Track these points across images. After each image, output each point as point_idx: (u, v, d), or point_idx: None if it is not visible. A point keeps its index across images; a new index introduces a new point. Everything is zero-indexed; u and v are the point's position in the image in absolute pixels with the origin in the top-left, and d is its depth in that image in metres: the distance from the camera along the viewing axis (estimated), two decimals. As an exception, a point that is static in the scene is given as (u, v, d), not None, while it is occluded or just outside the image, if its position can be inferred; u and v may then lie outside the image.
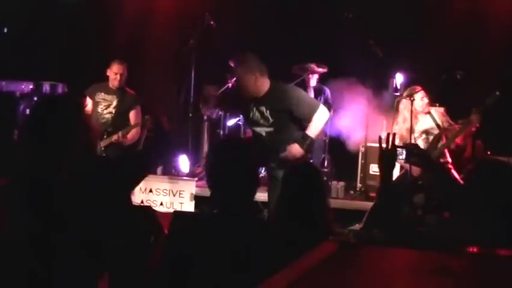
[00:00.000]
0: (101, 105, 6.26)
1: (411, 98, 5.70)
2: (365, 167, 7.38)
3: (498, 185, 2.30)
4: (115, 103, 6.25)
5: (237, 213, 2.29)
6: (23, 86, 7.28)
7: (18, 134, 3.97)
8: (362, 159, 7.49)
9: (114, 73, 6.20)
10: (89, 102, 6.28)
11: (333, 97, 7.66)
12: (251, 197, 2.38)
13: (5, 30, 8.02)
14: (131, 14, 8.33)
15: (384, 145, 2.58)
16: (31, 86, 7.32)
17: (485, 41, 7.40)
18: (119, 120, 6.22)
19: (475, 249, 2.05)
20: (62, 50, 7.99)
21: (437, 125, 5.78)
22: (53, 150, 2.25)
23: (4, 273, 2.13)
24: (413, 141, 5.77)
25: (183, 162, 7.71)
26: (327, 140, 7.58)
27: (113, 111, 6.23)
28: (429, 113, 5.84)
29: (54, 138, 2.26)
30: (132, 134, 6.19)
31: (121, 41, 7.85)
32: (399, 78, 7.23)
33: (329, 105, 7.65)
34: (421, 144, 5.77)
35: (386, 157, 2.57)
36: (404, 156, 2.72)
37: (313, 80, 7.74)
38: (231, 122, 7.93)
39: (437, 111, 5.92)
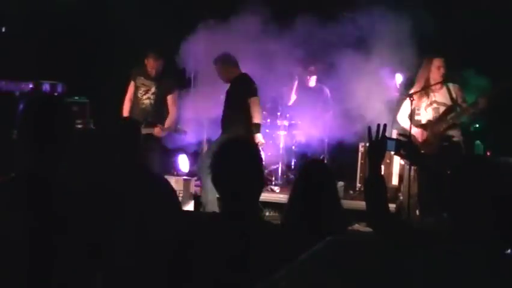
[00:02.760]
0: (141, 90, 6.49)
1: (411, 98, 5.70)
2: (365, 167, 7.38)
3: (485, 182, 2.30)
4: (153, 89, 6.46)
5: (240, 213, 2.29)
6: (22, 86, 7.28)
7: (17, 133, 3.96)
8: (361, 159, 7.50)
9: (150, 66, 6.44)
10: (132, 86, 6.56)
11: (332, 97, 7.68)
12: (256, 198, 2.38)
13: (3, 29, 8.01)
14: (131, 14, 8.32)
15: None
16: (31, 86, 7.33)
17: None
18: (158, 107, 6.45)
19: (474, 249, 2.05)
20: (62, 50, 7.98)
21: (451, 98, 5.71)
22: (52, 149, 2.25)
23: (4, 272, 2.13)
24: (422, 110, 5.76)
25: (183, 162, 7.72)
26: (326, 140, 7.60)
27: (152, 98, 6.45)
28: (445, 85, 5.75)
29: (55, 138, 2.26)
30: (168, 123, 6.44)
31: (120, 41, 7.84)
32: (399, 78, 7.23)
33: (329, 105, 7.69)
34: (430, 114, 5.73)
35: (374, 148, 2.58)
36: (393, 147, 2.70)
37: (312, 81, 7.75)
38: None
39: (454, 86, 5.80)
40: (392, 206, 6.27)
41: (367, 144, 7.38)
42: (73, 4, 8.21)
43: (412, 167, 5.62)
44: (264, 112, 7.87)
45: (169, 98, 6.48)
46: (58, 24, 8.12)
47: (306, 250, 1.48)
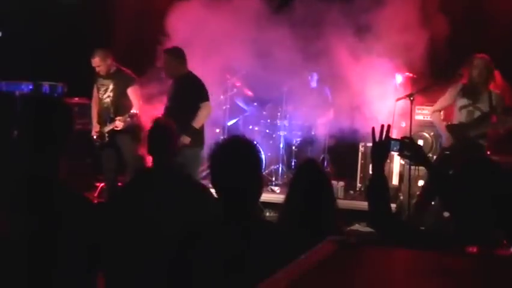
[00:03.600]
0: (101, 90, 6.48)
1: (411, 98, 5.67)
2: (365, 167, 7.38)
3: (486, 182, 2.30)
4: (111, 86, 6.42)
5: (239, 213, 2.29)
6: (22, 86, 7.29)
7: (17, 133, 3.94)
8: (361, 159, 7.50)
9: (95, 66, 6.37)
10: (95, 89, 6.53)
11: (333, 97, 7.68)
12: (256, 198, 2.37)
13: (0, 34, 8.02)
14: (131, 14, 8.33)
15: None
16: (31, 86, 7.33)
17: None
18: (119, 102, 6.38)
19: (475, 249, 2.05)
20: (62, 51, 7.98)
21: (491, 106, 5.44)
22: (52, 150, 2.25)
23: (4, 272, 2.13)
24: (457, 111, 5.57)
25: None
26: (326, 140, 7.60)
27: (111, 95, 6.40)
28: (488, 91, 5.49)
29: (54, 138, 2.26)
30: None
31: (121, 41, 7.84)
32: (398, 79, 7.23)
33: (329, 106, 7.68)
34: (464, 116, 5.52)
35: (378, 149, 2.58)
36: (397, 148, 2.70)
37: (313, 81, 7.74)
38: (230, 122, 7.94)
39: (497, 94, 5.52)
40: (392, 206, 6.26)
41: (367, 145, 7.41)
42: (73, 4, 8.21)
43: (413, 167, 5.62)
44: (264, 112, 7.88)
45: (129, 91, 6.36)
46: (58, 25, 8.12)
47: (306, 250, 1.48)
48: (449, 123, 5.76)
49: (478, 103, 5.51)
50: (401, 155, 2.83)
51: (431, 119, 6.16)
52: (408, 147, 2.73)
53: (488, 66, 5.47)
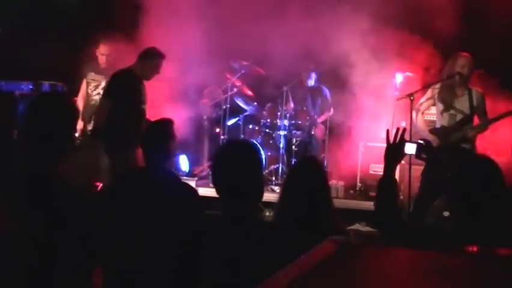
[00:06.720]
0: (91, 86, 6.38)
1: (411, 98, 5.65)
2: (365, 167, 7.38)
3: (486, 181, 2.31)
4: (103, 83, 6.25)
5: (242, 215, 2.29)
6: (22, 86, 7.29)
7: (18, 133, 3.93)
8: (361, 159, 7.50)
9: (101, 54, 6.31)
10: (84, 83, 6.44)
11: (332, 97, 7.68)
12: (257, 199, 2.37)
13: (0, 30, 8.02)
14: (131, 15, 8.32)
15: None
16: (31, 86, 7.33)
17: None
18: None
19: (475, 249, 2.05)
20: (63, 50, 7.97)
21: (471, 107, 5.19)
22: (52, 148, 2.25)
23: (4, 271, 2.13)
24: (439, 114, 5.31)
25: (183, 162, 7.71)
26: (326, 140, 7.60)
27: (101, 92, 6.19)
28: (468, 91, 5.24)
29: (54, 136, 2.26)
30: None
31: (121, 42, 7.83)
32: (398, 78, 7.23)
33: (328, 105, 7.69)
34: (446, 120, 5.23)
35: (391, 151, 2.59)
36: (414, 151, 2.72)
37: (311, 80, 7.74)
38: (230, 122, 7.94)
39: (478, 93, 5.28)
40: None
41: (367, 144, 7.36)
42: (73, 3, 8.21)
43: (413, 167, 5.60)
44: (264, 112, 7.88)
45: None
46: (59, 24, 8.11)
47: (306, 250, 1.48)
48: (432, 127, 5.44)
49: (457, 106, 5.23)
50: (419, 158, 2.84)
51: (415, 121, 5.61)
52: (425, 149, 2.75)
53: (471, 66, 5.23)
